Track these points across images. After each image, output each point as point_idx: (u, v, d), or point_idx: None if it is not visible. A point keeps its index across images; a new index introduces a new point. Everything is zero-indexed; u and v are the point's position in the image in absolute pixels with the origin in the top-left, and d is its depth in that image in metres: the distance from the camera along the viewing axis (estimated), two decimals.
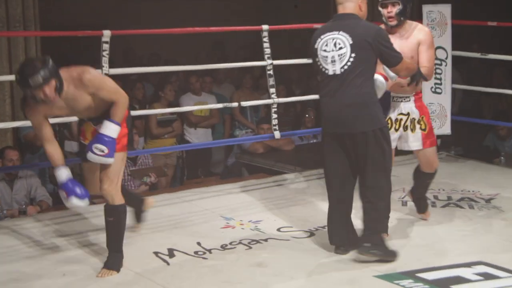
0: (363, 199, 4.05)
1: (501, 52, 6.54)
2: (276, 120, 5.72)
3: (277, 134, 5.73)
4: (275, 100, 5.70)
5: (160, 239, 4.47)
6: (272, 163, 6.63)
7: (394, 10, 4.33)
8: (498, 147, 7.14)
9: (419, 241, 4.35)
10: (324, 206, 5.06)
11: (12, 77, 5.79)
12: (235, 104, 6.14)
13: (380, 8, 4.40)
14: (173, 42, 8.59)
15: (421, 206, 4.79)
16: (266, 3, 11.03)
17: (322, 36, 3.97)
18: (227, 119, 7.84)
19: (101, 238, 4.30)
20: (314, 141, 7.47)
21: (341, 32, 3.92)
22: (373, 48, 3.91)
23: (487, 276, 3.81)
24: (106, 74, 4.95)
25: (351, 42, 3.89)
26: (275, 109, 5.72)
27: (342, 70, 3.90)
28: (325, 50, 3.94)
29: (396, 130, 4.46)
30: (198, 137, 7.47)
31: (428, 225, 4.69)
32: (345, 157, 4.04)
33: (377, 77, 4.08)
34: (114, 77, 5.82)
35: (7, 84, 6.06)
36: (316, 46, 3.99)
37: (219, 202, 5.31)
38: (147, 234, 4.59)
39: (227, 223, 4.81)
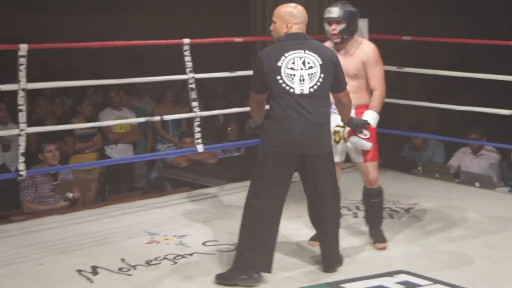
0: (324, 230, 4.07)
1: (417, 66, 6.75)
2: (199, 134, 5.71)
3: (200, 148, 5.72)
4: (197, 113, 5.69)
5: (82, 257, 4.39)
6: (196, 176, 6.62)
7: (338, 28, 4.38)
8: (415, 157, 7.34)
9: (342, 252, 4.42)
10: None
11: None
12: (157, 118, 6.11)
13: (325, 25, 4.45)
14: (91, 56, 8.50)
15: (377, 236, 4.62)
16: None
17: (286, 54, 3.87)
18: (149, 133, 7.79)
19: None
20: (237, 154, 7.51)
21: (307, 52, 3.89)
22: (335, 70, 3.94)
23: (408, 285, 3.91)
24: (23, 89, 4.83)
25: (320, 63, 3.88)
26: (198, 123, 5.71)
27: (311, 89, 3.84)
28: (292, 68, 3.84)
29: (337, 142, 4.45)
30: (119, 152, 7.38)
31: (350, 235, 4.78)
32: (289, 179, 3.95)
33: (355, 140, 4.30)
34: (32, 91, 5.77)
35: None
36: (279, 64, 3.85)
37: (143, 217, 5.26)
38: (69, 252, 4.50)
39: (152, 238, 4.77)
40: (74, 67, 9.00)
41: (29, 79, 4.92)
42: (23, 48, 4.81)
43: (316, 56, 3.88)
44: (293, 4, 4.05)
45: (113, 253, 4.46)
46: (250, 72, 7.27)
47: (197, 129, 5.70)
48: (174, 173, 6.90)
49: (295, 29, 3.95)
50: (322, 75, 3.87)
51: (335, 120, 4.38)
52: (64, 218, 5.28)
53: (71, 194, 5.84)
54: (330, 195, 4.02)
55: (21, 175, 4.83)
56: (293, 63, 3.86)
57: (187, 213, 5.36)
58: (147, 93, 8.36)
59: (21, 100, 4.83)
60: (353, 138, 4.35)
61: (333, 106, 4.27)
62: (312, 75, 3.86)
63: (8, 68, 8.21)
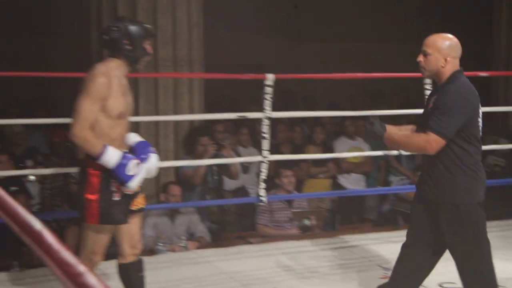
0: None
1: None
2: None
3: None
4: None
5: (311, 285, 4.43)
6: None
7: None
8: None
9: None
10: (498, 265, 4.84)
11: (177, 117, 6.09)
12: (394, 152, 6.02)
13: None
14: (329, 84, 8.64)
15: None
16: None
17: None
18: (382, 165, 7.71)
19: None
20: None
21: None
22: None
23: None
24: (268, 118, 5.01)
25: None
26: None
27: None
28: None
29: None
30: (352, 182, 7.39)
31: None
32: None
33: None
34: (275, 120, 5.97)
35: (171, 121, 6.30)
36: (476, 104, 3.57)
37: (376, 251, 5.19)
38: (302, 279, 4.56)
39: (385, 273, 4.67)
40: (312, 96, 9.21)
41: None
42: (270, 78, 5.00)
43: None
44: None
45: (346, 284, 4.45)
46: (492, 109, 7.00)
47: None
48: (407, 207, 6.72)
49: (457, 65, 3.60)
50: None
51: None
52: (298, 245, 5.38)
53: (308, 222, 5.92)
54: None
55: (262, 201, 5.00)
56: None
57: None
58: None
59: (265, 128, 5.01)
60: None
61: None
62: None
63: (250, 94, 8.67)
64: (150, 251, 5.27)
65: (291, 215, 6.06)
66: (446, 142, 3.44)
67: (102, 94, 3.38)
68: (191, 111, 6.26)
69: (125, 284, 3.71)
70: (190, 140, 6.23)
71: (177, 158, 6.22)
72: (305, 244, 5.38)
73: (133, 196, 3.61)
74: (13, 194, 5.40)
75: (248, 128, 7.15)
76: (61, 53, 9.14)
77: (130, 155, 3.48)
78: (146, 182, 5.97)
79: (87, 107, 3.37)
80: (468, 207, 3.54)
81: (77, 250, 5.86)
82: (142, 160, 3.57)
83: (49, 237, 0.93)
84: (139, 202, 3.68)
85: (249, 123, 7.18)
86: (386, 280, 4.50)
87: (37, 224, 1.00)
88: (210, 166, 6.14)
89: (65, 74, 4.86)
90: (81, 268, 0.83)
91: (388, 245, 5.35)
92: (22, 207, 1.09)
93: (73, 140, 3.40)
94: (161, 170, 6.08)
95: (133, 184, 3.44)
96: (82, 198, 3.47)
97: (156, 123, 6.16)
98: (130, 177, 3.41)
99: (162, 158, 6.05)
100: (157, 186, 6.10)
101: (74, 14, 7.82)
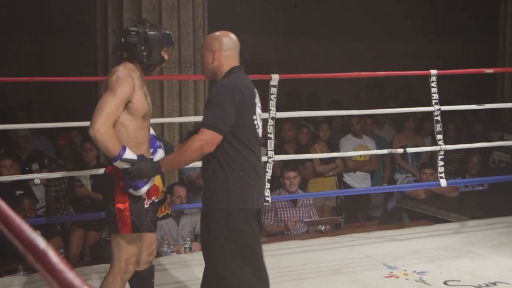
0: None
1: None
2: (443, 168, 5.54)
3: (443, 182, 5.53)
4: (442, 147, 5.53)
5: (319, 285, 4.45)
6: (435, 210, 6.41)
7: None
8: None
9: None
10: (496, 259, 4.84)
11: (183, 119, 6.11)
12: (400, 150, 6.03)
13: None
14: (333, 82, 8.64)
15: None
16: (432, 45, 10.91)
17: (255, 89, 3.47)
18: (387, 163, 7.71)
19: None
20: (480, 188, 7.18)
21: None
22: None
23: None
24: (272, 118, 5.03)
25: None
26: (442, 156, 5.55)
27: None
28: (259, 107, 3.46)
29: None
30: (357, 180, 7.39)
31: None
32: None
33: None
34: (280, 120, 5.98)
35: (176, 123, 6.31)
36: (256, 100, 3.42)
37: (381, 249, 5.21)
38: (307, 279, 4.58)
39: (391, 272, 4.70)
40: (316, 93, 9.21)
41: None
42: (275, 78, 5.01)
43: None
44: None
45: (351, 284, 4.46)
46: (500, 105, 7.01)
47: (441, 163, 5.54)
48: (413, 204, 6.74)
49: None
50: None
51: None
52: (303, 244, 5.40)
53: (323, 227, 5.87)
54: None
55: (267, 201, 5.02)
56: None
57: (426, 248, 5.21)
58: (386, 121, 8.31)
59: (270, 128, 5.03)
60: None
61: None
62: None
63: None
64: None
65: (307, 224, 6.06)
66: (222, 137, 3.22)
67: (127, 95, 3.31)
68: (196, 113, 6.27)
69: None
70: None
71: None
72: (311, 243, 5.39)
73: (161, 202, 3.61)
74: (18, 198, 5.45)
75: None
76: (63, 54, 9.15)
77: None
78: None
79: (112, 105, 3.25)
80: (233, 213, 3.29)
81: (81, 253, 5.95)
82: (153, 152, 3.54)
83: (54, 257, 0.95)
84: (165, 208, 3.69)
85: None
86: (391, 279, 4.54)
87: (42, 243, 1.01)
88: None
89: (68, 78, 4.88)
90: None
91: (393, 243, 5.37)
92: (26, 224, 1.10)
93: (93, 136, 3.22)
94: (166, 172, 6.11)
95: (145, 189, 3.39)
96: (113, 209, 3.38)
97: (161, 124, 6.17)
98: (144, 182, 3.36)
99: None
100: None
101: (79, 16, 7.84)
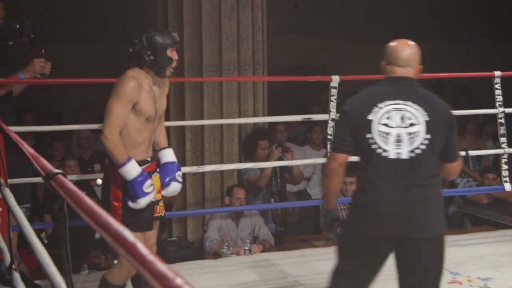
0: None
1: None
2: (507, 172, 5.41)
3: (507, 186, 5.39)
4: (506, 150, 5.41)
5: None
6: (498, 215, 6.27)
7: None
8: None
9: None
10: None
11: (241, 120, 6.12)
12: (461, 153, 5.91)
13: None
14: None
15: None
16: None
17: (380, 105, 3.04)
18: None
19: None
20: None
21: (409, 103, 3.04)
22: (446, 132, 3.04)
23: None
24: (333, 119, 5.00)
25: (427, 119, 3.01)
26: (506, 160, 5.42)
27: (412, 154, 3.00)
28: (386, 125, 3.01)
29: None
30: None
31: None
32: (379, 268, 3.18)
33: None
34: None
35: (235, 124, 6.33)
36: (370, 117, 3.03)
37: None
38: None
39: (454, 278, 4.61)
40: None
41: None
42: (335, 80, 4.99)
43: (420, 109, 3.02)
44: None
45: None
46: None
47: (505, 167, 5.42)
48: (475, 209, 6.61)
49: (395, 72, 3.14)
50: (427, 136, 3.00)
51: None
52: None
53: None
54: None
55: None
56: (389, 118, 3.02)
57: (490, 254, 5.09)
58: None
59: (330, 130, 5.01)
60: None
61: None
62: (413, 135, 2.99)
63: (314, 95, 8.65)
64: (215, 254, 5.31)
65: None
66: None
67: (132, 97, 3.48)
68: (255, 114, 6.28)
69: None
70: (250, 144, 6.25)
71: (241, 161, 6.25)
72: None
73: (155, 203, 3.68)
74: None
75: (321, 127, 7.01)
76: (119, 58, 9.26)
77: (146, 174, 3.55)
78: (211, 185, 6.09)
79: (118, 110, 3.45)
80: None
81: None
82: (165, 184, 3.71)
83: (143, 249, 0.96)
84: (160, 210, 3.75)
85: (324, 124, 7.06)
86: (455, 285, 4.45)
87: (129, 235, 1.02)
88: (274, 169, 6.14)
89: None
90: (179, 281, 0.84)
91: (455, 249, 5.24)
92: (111, 218, 1.11)
93: (104, 142, 3.47)
94: (225, 174, 6.14)
95: (144, 202, 3.51)
96: (108, 205, 3.56)
97: (221, 126, 6.20)
98: (144, 194, 3.49)
99: (226, 161, 6.11)
100: (221, 190, 6.14)
101: (140, 20, 7.93)
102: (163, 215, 3.81)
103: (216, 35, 6.12)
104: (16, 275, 2.46)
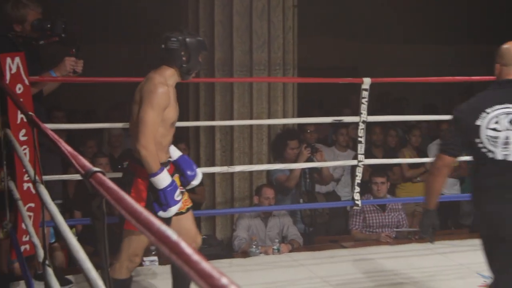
0: None
1: None
2: None
3: None
4: None
5: None
6: None
7: None
8: None
9: None
10: None
11: (271, 121, 6.12)
12: None
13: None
14: (425, 86, 8.50)
15: None
16: None
17: (488, 110, 3.16)
18: None
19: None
20: None
21: None
22: None
23: None
24: (363, 121, 4.98)
25: None
26: None
27: None
28: (494, 129, 3.13)
29: None
30: (447, 186, 7.21)
31: None
32: None
33: None
34: (371, 123, 5.91)
35: (265, 125, 6.33)
36: (478, 122, 3.16)
37: (474, 258, 5.02)
38: (397, 285, 4.51)
39: (485, 281, 4.55)
40: (406, 97, 9.07)
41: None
42: (366, 82, 4.96)
43: None
44: None
45: None
46: None
47: None
48: None
49: (505, 74, 3.26)
50: None
51: None
52: (392, 250, 5.33)
53: (412, 237, 5.75)
54: None
55: (357, 205, 4.97)
56: (497, 122, 3.15)
57: None
58: None
59: (361, 132, 4.98)
60: None
61: None
62: None
63: (342, 96, 8.61)
64: (244, 253, 5.33)
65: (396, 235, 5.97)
66: None
67: (164, 105, 3.52)
68: (285, 115, 6.28)
69: (175, 279, 3.87)
70: (279, 144, 6.24)
71: (270, 161, 6.26)
72: (399, 249, 5.31)
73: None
74: None
75: (346, 129, 7.00)
76: (151, 58, 9.32)
77: (176, 183, 3.61)
78: (240, 184, 6.11)
79: (153, 120, 3.48)
80: None
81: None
82: (190, 177, 3.79)
83: (187, 248, 0.96)
84: (186, 203, 3.81)
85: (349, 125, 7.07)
86: None
87: (173, 234, 1.03)
88: (303, 169, 6.13)
89: None
90: (224, 280, 0.85)
91: None
92: (153, 216, 1.12)
93: (140, 151, 3.47)
94: (255, 173, 6.14)
95: (174, 210, 3.58)
96: None
97: (250, 126, 6.21)
98: (176, 202, 3.55)
99: (256, 161, 6.12)
100: (250, 189, 6.15)
101: (170, 20, 7.98)
102: (191, 206, 3.86)
103: (247, 35, 6.13)
104: (49, 271, 2.49)
